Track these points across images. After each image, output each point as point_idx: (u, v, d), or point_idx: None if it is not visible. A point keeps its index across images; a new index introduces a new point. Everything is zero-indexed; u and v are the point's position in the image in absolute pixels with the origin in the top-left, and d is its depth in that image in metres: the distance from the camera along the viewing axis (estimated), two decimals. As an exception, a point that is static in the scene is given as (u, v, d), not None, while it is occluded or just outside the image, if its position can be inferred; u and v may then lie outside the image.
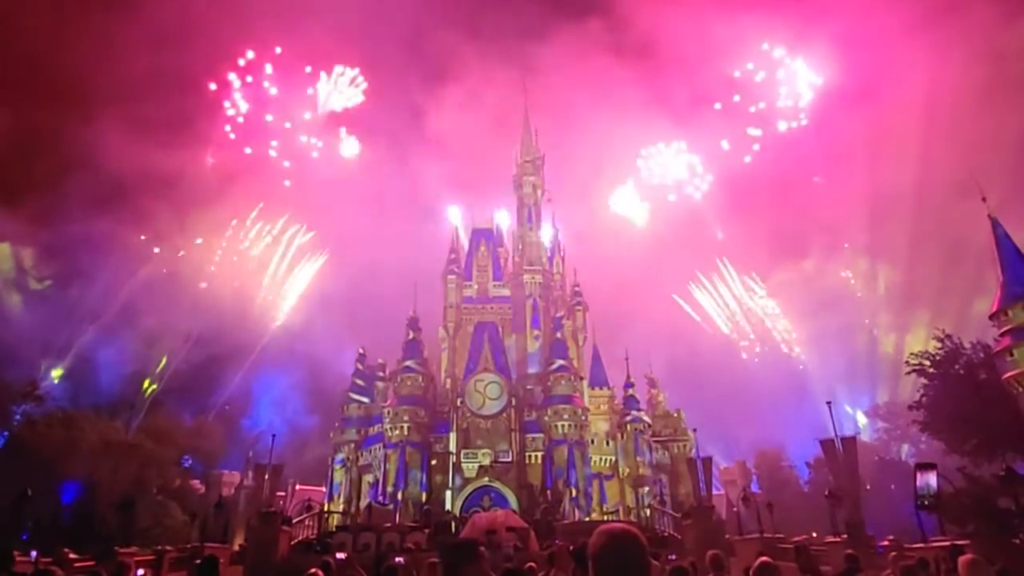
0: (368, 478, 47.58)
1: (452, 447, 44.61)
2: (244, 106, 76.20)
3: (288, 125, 78.07)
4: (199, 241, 71.74)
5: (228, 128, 75.99)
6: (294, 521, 33.82)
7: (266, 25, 76.00)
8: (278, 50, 75.84)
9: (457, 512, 40.74)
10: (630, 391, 49.30)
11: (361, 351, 54.10)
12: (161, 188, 65.75)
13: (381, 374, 52.44)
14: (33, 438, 39.33)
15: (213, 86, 74.16)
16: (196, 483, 50.89)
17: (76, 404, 48.79)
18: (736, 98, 77.32)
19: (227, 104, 76.08)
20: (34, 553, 21.62)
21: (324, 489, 49.84)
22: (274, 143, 77.32)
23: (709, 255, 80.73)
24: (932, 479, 21.91)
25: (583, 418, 45.82)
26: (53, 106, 64.47)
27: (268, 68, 75.95)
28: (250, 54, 74.58)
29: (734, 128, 77.27)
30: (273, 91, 77.31)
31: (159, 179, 65.23)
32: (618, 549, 2.85)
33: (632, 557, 2.84)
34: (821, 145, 72.86)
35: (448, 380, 50.26)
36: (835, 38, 71.91)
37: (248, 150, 75.27)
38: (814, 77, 75.76)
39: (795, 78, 76.25)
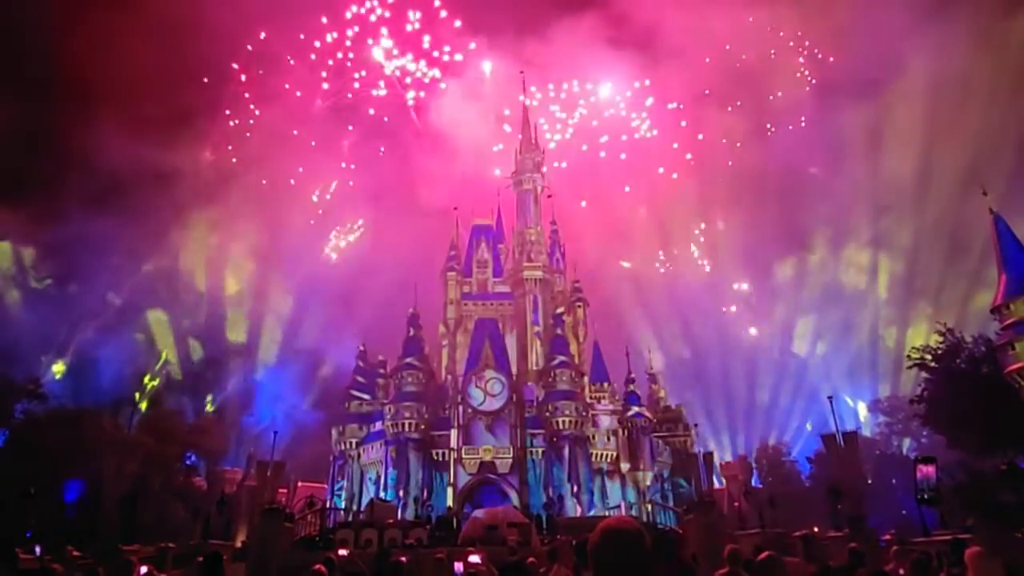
0: (370, 474, 47.69)
1: (453, 443, 44.67)
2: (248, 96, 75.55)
3: (314, 144, 77.67)
4: (199, 237, 71.71)
5: (230, 147, 75.61)
6: (296, 518, 33.92)
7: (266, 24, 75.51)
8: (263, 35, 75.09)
9: (459, 508, 40.81)
10: (631, 387, 49.31)
11: (362, 348, 54.18)
12: (161, 185, 65.72)
13: (382, 371, 52.50)
14: (35, 436, 39.40)
15: (205, 79, 73.63)
16: (199, 480, 51.01)
17: (77, 401, 48.88)
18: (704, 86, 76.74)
19: (228, 111, 76.00)
20: (38, 549, 21.75)
21: (326, 485, 50.00)
22: (300, 169, 76.85)
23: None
24: (932, 473, 21.97)
25: (584, 414, 45.84)
26: (54, 103, 64.45)
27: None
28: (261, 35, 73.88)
29: (732, 118, 77.01)
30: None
31: (159, 176, 65.21)
32: (616, 543, 2.84)
33: (631, 551, 2.82)
34: (821, 137, 72.69)
35: (449, 377, 50.30)
36: (836, 29, 71.66)
37: (264, 181, 74.67)
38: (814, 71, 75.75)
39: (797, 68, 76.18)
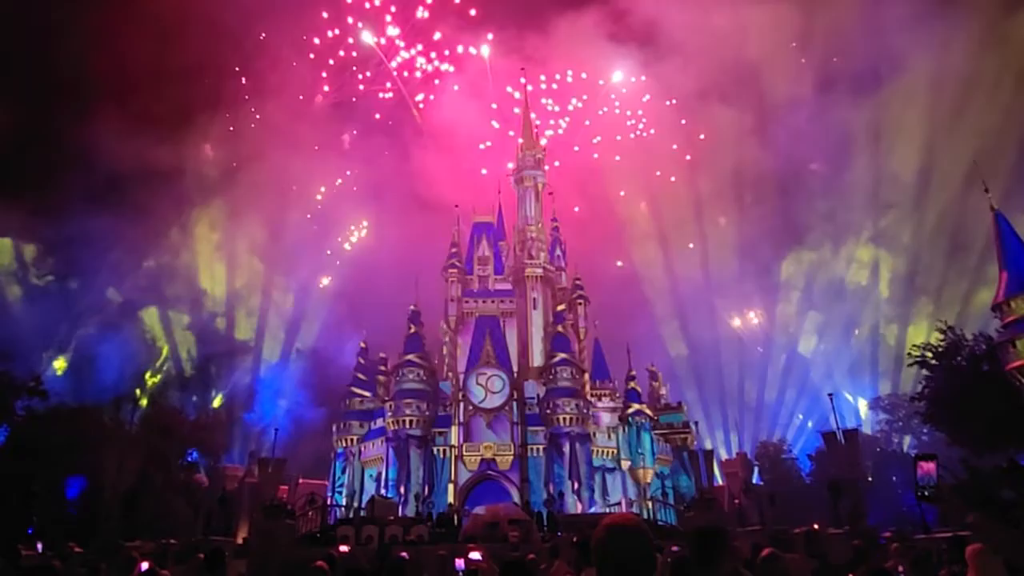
0: (371, 471, 47.77)
1: (454, 440, 44.73)
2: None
3: (317, 148, 77.61)
4: (201, 235, 71.75)
5: (231, 146, 75.44)
6: (297, 514, 33.99)
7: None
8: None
9: (459, 505, 40.88)
10: (632, 384, 49.34)
11: (363, 345, 54.25)
12: (162, 182, 65.74)
13: (383, 368, 52.60)
14: (36, 432, 39.44)
15: (206, 77, 73.58)
16: (200, 477, 51.11)
17: (78, 398, 48.93)
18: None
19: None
20: (39, 546, 21.82)
21: (327, 482, 50.08)
22: (301, 167, 76.74)
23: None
24: (933, 470, 21.98)
25: (585, 411, 45.88)
26: (54, 100, 64.35)
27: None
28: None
29: (733, 116, 76.84)
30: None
31: (160, 173, 65.21)
32: (620, 540, 2.84)
33: (634, 547, 2.83)
34: (822, 134, 72.55)
35: (450, 374, 50.35)
36: (838, 26, 71.48)
37: (265, 178, 74.28)
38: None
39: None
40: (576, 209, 74.22)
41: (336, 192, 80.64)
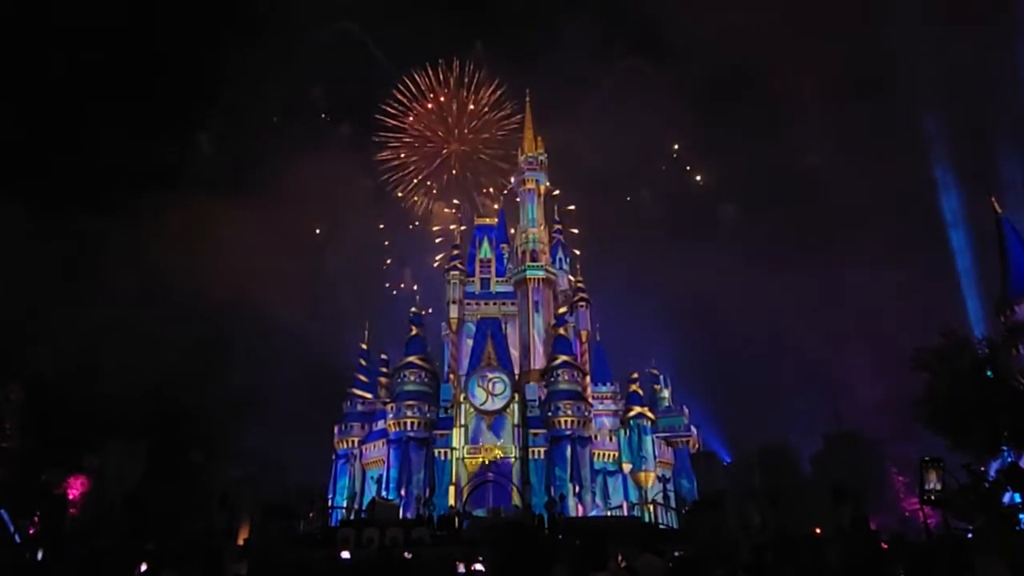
0: (372, 473, 47.73)
1: (455, 442, 44.68)
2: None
3: (318, 141, 77.58)
4: (204, 231, 71.78)
5: (234, 141, 75.35)
6: (298, 516, 33.99)
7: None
8: None
9: (460, 508, 40.81)
10: (633, 386, 49.26)
11: (364, 346, 54.26)
12: (164, 176, 65.97)
13: (384, 369, 52.58)
14: (38, 431, 39.44)
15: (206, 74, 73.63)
16: (202, 477, 51.05)
17: (79, 396, 48.88)
18: None
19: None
20: (40, 552, 21.85)
21: (329, 484, 50.06)
22: (304, 162, 76.72)
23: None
24: (937, 475, 21.89)
25: (586, 413, 45.81)
26: (55, 95, 64.51)
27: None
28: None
29: (737, 115, 76.86)
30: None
31: (163, 168, 65.47)
32: (504, 545, 2.89)
33: (517, 551, 2.87)
34: (826, 135, 72.59)
35: (451, 376, 50.32)
36: (843, 25, 71.47)
37: (267, 174, 74.11)
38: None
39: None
40: (586, 201, 74.39)
41: (339, 190, 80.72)
